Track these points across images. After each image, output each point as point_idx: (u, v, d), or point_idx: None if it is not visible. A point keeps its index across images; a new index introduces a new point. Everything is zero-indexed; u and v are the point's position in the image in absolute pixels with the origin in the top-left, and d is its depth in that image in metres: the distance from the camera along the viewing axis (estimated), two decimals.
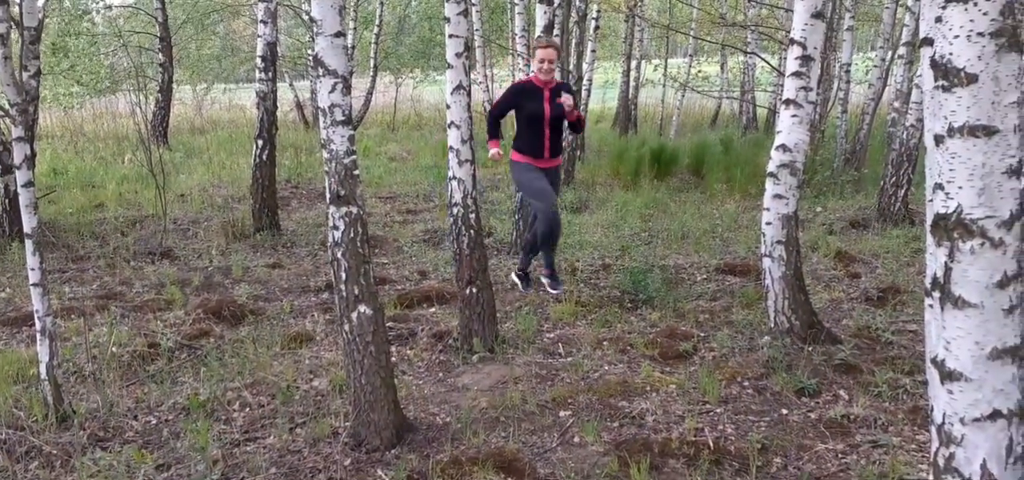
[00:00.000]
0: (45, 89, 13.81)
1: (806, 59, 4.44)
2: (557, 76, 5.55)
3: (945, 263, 1.96)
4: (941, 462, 2.04)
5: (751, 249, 6.80)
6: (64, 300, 5.70)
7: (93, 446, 3.52)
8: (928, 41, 1.95)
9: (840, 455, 3.34)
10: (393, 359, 3.72)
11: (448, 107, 4.54)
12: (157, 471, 3.30)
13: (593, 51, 13.42)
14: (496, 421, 3.73)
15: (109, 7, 17.09)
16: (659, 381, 4.13)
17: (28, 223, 3.64)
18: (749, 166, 10.34)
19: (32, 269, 3.66)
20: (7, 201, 7.12)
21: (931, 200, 1.99)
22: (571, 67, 11.10)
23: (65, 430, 3.63)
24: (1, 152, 7.04)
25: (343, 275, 3.32)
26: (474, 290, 4.60)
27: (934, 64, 1.93)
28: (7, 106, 3.72)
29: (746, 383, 4.08)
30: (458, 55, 4.50)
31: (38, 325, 3.67)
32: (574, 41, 11.34)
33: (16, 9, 7.14)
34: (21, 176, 3.65)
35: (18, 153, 3.65)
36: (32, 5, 7.15)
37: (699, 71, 17.90)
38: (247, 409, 3.92)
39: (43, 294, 3.66)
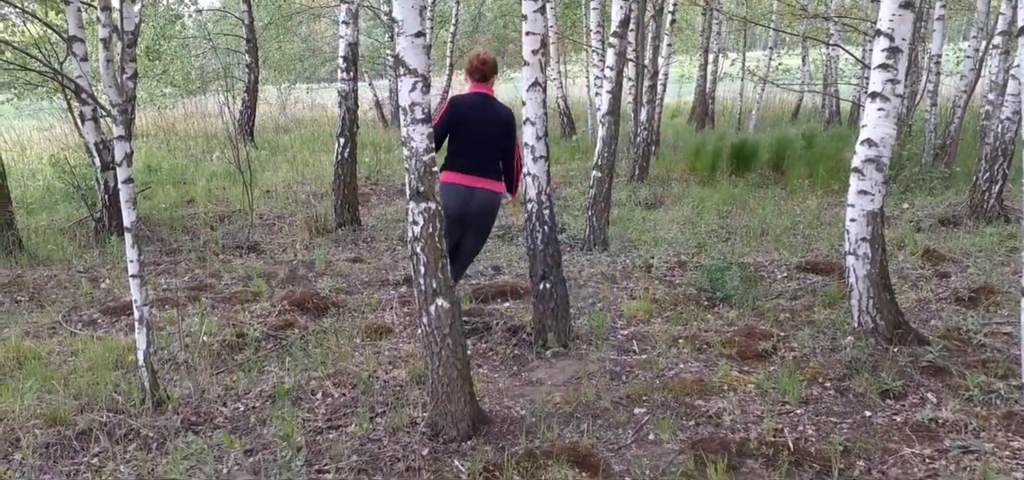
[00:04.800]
0: (141, 90, 14.49)
1: (893, 51, 4.29)
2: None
3: None
4: None
5: (834, 247, 6.61)
6: (159, 291, 5.99)
7: (186, 430, 3.70)
8: None
9: (927, 460, 3.23)
10: (468, 352, 3.78)
11: (523, 104, 4.57)
12: (245, 456, 3.44)
13: (669, 45, 13.25)
14: (570, 416, 3.74)
15: (199, 11, 17.79)
16: (737, 380, 4.07)
17: (127, 217, 3.83)
18: (832, 161, 10.05)
19: (131, 261, 3.85)
20: (107, 197, 7.53)
21: None
22: (647, 61, 11.01)
23: (160, 414, 3.83)
24: (102, 150, 7.44)
25: (422, 269, 3.39)
26: (548, 285, 4.63)
27: None
28: (109, 106, 3.93)
29: (828, 384, 3.99)
30: (534, 52, 4.52)
31: (136, 314, 3.87)
32: (650, 35, 11.23)
33: (116, 15, 7.53)
34: (121, 173, 3.84)
35: (119, 151, 3.85)
36: (130, 11, 7.52)
37: (779, 64, 17.45)
38: (329, 398, 4.05)
39: (141, 285, 3.86)
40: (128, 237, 3.84)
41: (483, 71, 4.65)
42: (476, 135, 4.56)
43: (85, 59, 7.17)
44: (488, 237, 4.99)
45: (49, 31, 8.33)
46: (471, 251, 4.89)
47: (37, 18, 8.04)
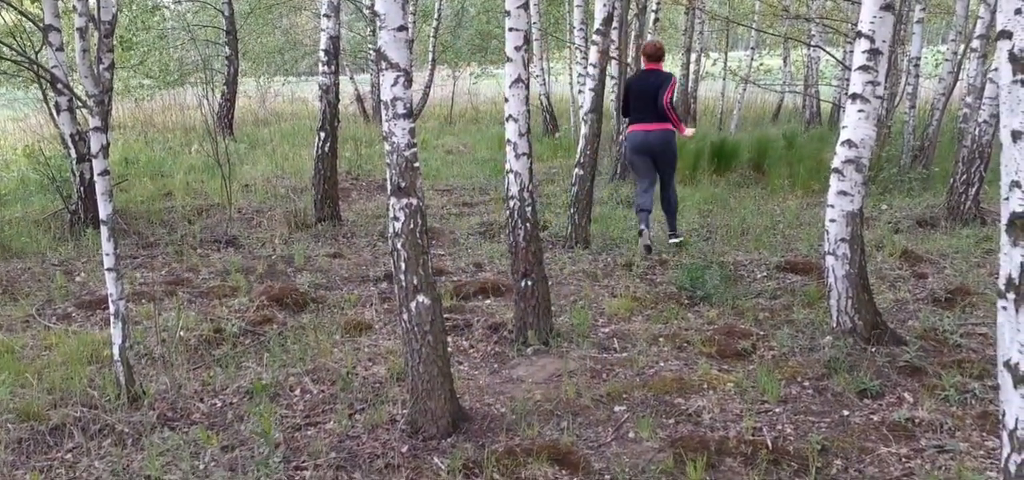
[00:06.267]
0: (118, 81, 14.28)
1: (874, 52, 4.33)
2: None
3: (1021, 263, 1.89)
4: (1012, 468, 1.98)
5: (813, 247, 6.66)
6: (135, 285, 5.91)
7: (162, 426, 3.65)
8: (1006, 34, 1.88)
9: (904, 459, 3.26)
10: (449, 349, 3.76)
11: (506, 101, 4.56)
12: (222, 452, 3.40)
13: None
14: (551, 414, 3.74)
15: (178, 1, 17.57)
16: (716, 379, 4.09)
17: (103, 210, 3.78)
18: (812, 162, 10.12)
19: (107, 254, 3.80)
20: (83, 189, 7.42)
21: (1007, 198, 1.92)
22: (629, 60, 11.01)
23: (136, 410, 3.78)
24: (78, 141, 7.33)
25: (402, 265, 3.37)
26: (529, 283, 4.62)
27: (1013, 58, 1.86)
28: (85, 97, 3.87)
29: (806, 383, 4.01)
30: (517, 48, 4.51)
31: (112, 308, 3.81)
32: (634, 33, 11.24)
33: (93, 4, 7.41)
34: (97, 165, 3.78)
35: (95, 142, 3.79)
36: (107, 0, 7.41)
37: (761, 64, 17.56)
38: (308, 394, 4.01)
39: (117, 278, 3.80)
40: (104, 230, 3.79)
41: (648, 54, 7.01)
42: (638, 96, 6.78)
43: (61, 49, 7.06)
44: (673, 163, 6.95)
45: (24, 20, 8.19)
46: (667, 179, 6.94)
47: (12, 6, 7.90)
